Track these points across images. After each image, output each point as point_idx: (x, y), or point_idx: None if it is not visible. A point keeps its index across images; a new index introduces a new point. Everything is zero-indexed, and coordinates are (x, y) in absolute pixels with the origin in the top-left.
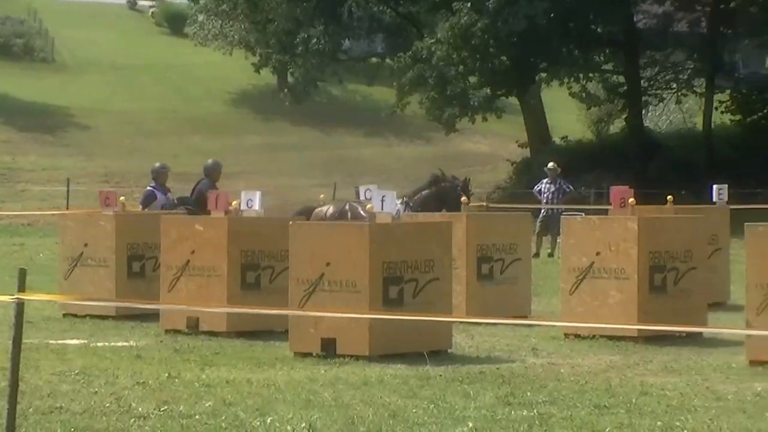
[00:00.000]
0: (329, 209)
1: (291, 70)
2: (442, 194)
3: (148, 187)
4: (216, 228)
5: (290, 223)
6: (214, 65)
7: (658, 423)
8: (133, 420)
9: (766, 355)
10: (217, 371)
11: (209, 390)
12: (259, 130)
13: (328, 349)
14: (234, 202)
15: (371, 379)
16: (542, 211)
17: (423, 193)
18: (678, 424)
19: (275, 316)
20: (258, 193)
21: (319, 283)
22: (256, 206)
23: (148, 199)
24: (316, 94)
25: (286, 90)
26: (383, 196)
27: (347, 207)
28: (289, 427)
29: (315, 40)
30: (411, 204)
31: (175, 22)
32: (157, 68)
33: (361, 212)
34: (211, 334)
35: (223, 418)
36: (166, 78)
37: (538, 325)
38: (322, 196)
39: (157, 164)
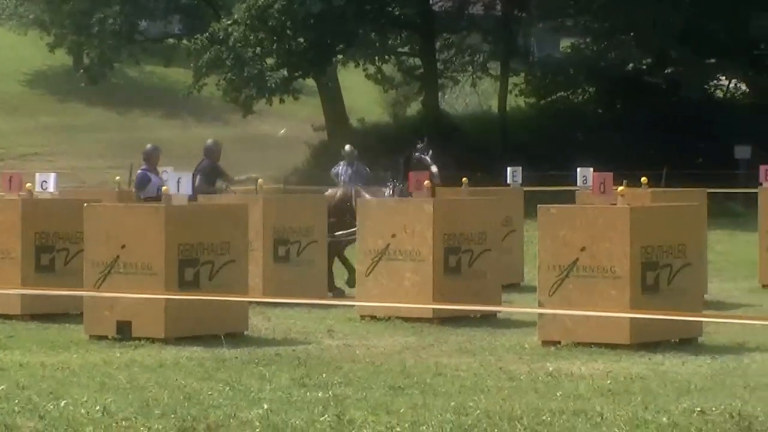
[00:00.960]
0: (338, 192)
1: (86, 50)
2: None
3: (140, 170)
4: (9, 210)
5: (85, 204)
6: (8, 45)
7: (452, 403)
8: None
9: (558, 335)
10: (11, 354)
11: (2, 373)
12: (54, 111)
13: (124, 332)
14: (28, 184)
15: (167, 361)
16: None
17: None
18: (471, 404)
19: (70, 298)
20: (53, 175)
21: (114, 266)
22: (51, 188)
23: (143, 182)
24: (113, 75)
25: (81, 71)
26: (179, 178)
27: (352, 191)
28: (83, 410)
29: (111, 20)
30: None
31: None
32: None
33: (366, 195)
34: (5, 317)
35: (17, 401)
36: None
37: (335, 307)
38: (117, 178)
39: (149, 145)
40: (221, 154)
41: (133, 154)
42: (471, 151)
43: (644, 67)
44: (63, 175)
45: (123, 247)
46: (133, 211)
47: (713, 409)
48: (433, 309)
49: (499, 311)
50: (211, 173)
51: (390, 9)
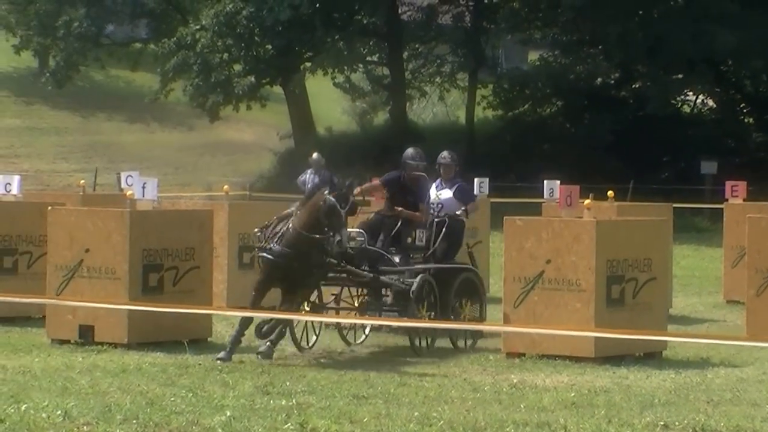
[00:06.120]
0: None
1: (52, 53)
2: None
3: None
4: None
5: (49, 208)
6: None
7: (416, 413)
8: None
9: (522, 347)
10: None
11: None
12: (19, 113)
13: (86, 336)
14: None
15: (129, 366)
16: None
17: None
18: (435, 414)
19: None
20: (17, 178)
21: (78, 270)
22: (15, 190)
23: None
24: (78, 78)
25: (47, 73)
26: (144, 183)
27: None
28: (44, 415)
29: (77, 23)
30: None
31: None
32: None
33: None
34: None
35: None
36: None
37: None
38: (82, 182)
39: None
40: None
41: (98, 159)
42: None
43: (612, 81)
44: (26, 178)
45: (87, 251)
46: (97, 215)
47: (676, 423)
48: (401, 325)
49: (462, 328)
50: None
51: (358, 17)
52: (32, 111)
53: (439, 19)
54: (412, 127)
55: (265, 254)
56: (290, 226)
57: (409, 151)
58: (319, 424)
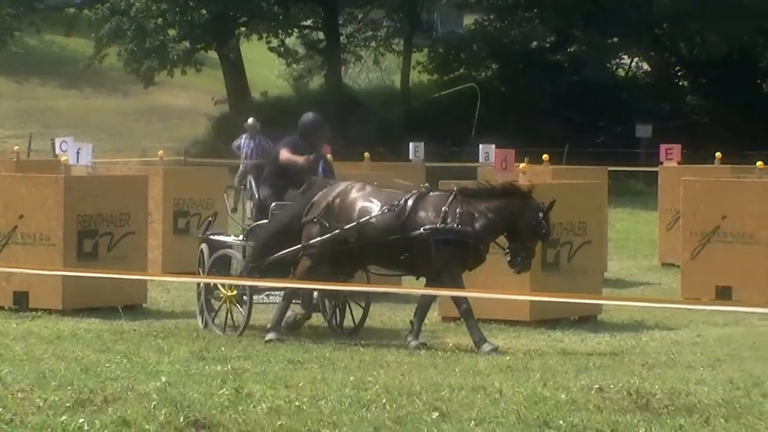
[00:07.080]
0: None
1: None
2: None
3: None
4: None
5: None
6: None
7: (351, 378)
8: None
9: (458, 312)
10: None
11: None
12: None
13: (21, 303)
14: None
15: (64, 333)
16: (241, 166)
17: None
18: (371, 379)
19: None
20: None
21: (12, 236)
22: None
23: None
24: (12, 43)
25: None
26: (79, 149)
27: None
28: None
29: None
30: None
31: None
32: None
33: None
34: None
35: None
36: None
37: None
38: (16, 147)
39: None
40: None
41: (33, 124)
42: (373, 127)
43: (547, 45)
44: None
45: (21, 217)
46: (31, 181)
47: (611, 386)
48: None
49: (404, 292)
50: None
51: None
52: None
53: None
54: (348, 92)
55: (460, 236)
56: (482, 211)
57: (314, 117)
58: (254, 389)
